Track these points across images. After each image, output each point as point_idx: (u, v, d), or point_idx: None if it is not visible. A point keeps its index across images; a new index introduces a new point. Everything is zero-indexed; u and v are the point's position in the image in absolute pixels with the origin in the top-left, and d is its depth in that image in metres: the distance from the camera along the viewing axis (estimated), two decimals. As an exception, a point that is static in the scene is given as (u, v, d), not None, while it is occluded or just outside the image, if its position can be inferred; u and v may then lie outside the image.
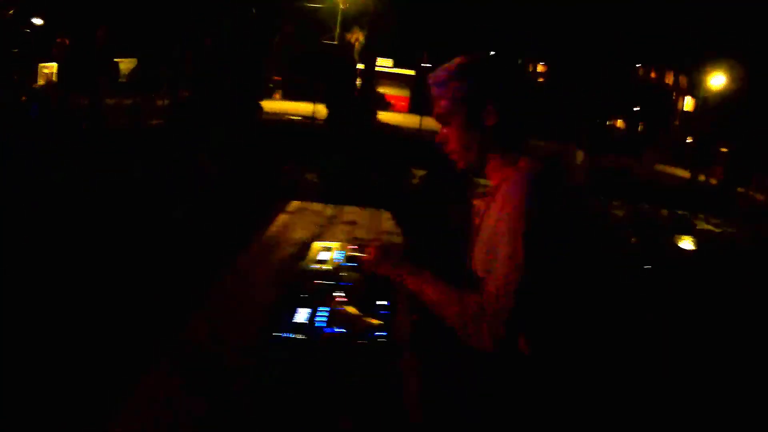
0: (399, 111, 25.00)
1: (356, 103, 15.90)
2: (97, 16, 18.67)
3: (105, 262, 5.43)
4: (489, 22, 39.89)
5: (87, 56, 18.81)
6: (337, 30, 17.93)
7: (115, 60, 19.03)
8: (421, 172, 9.56)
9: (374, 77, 18.57)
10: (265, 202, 4.70)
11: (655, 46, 41.72)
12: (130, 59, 19.12)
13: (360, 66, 17.01)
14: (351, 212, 3.96)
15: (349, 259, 2.12)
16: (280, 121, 14.96)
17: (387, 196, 6.60)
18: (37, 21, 22.73)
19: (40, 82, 19.59)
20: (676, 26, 38.30)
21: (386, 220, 3.90)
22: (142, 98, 15.03)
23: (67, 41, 20.85)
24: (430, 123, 15.79)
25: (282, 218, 3.53)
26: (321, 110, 15.92)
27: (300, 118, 15.66)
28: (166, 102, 14.81)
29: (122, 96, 15.52)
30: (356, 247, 2.21)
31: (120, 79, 18.69)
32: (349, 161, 8.95)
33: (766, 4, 31.16)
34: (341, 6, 17.47)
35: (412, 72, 32.58)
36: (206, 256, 4.41)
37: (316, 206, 4.05)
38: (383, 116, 17.82)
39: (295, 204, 3.95)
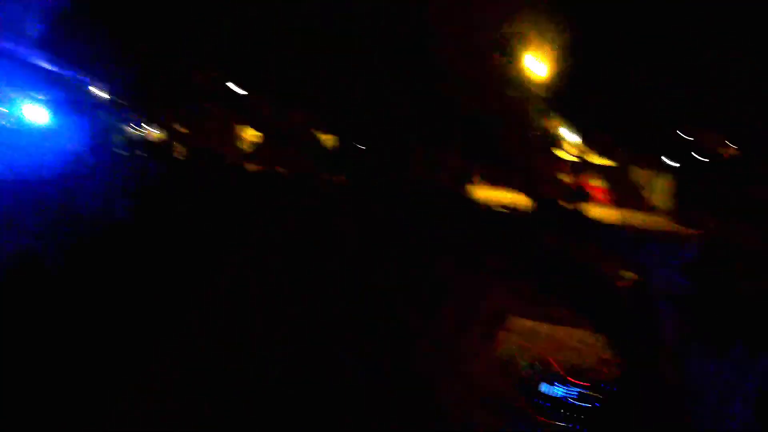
0: (599, 203, 23.99)
1: (565, 194, 15.15)
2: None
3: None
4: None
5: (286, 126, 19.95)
6: (534, 117, 17.47)
7: (318, 134, 19.75)
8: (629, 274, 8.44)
9: (582, 167, 17.82)
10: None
11: None
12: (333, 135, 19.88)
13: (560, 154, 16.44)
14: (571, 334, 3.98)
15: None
16: (485, 211, 14.60)
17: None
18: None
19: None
20: None
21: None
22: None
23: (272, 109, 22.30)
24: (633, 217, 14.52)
25: (507, 338, 3.52)
26: (521, 200, 15.17)
27: (504, 209, 14.88)
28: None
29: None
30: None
31: (325, 155, 19.43)
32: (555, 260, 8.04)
33: None
34: (539, 94, 17.04)
35: (611, 162, 31.51)
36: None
37: (543, 327, 3.90)
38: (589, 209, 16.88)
39: (519, 322, 3.92)
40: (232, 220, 9.79)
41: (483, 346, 4.30)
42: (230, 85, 21.62)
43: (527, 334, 4.19)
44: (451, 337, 4.56)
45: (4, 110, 23.56)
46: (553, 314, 4.75)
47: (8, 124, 23.04)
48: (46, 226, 8.94)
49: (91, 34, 17.70)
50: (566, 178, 18.31)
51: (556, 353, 4.10)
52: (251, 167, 18.82)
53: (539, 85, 16.52)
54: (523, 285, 6.09)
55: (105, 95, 23.53)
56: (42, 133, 21.36)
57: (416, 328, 5.07)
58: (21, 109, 22.39)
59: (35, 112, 21.81)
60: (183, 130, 23.07)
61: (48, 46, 19.06)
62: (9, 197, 12.28)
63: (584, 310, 5.04)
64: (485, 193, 15.86)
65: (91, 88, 23.41)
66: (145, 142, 23.60)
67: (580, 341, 4.05)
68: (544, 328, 4.01)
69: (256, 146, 21.35)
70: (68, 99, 22.35)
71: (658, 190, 17.88)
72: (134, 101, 24.30)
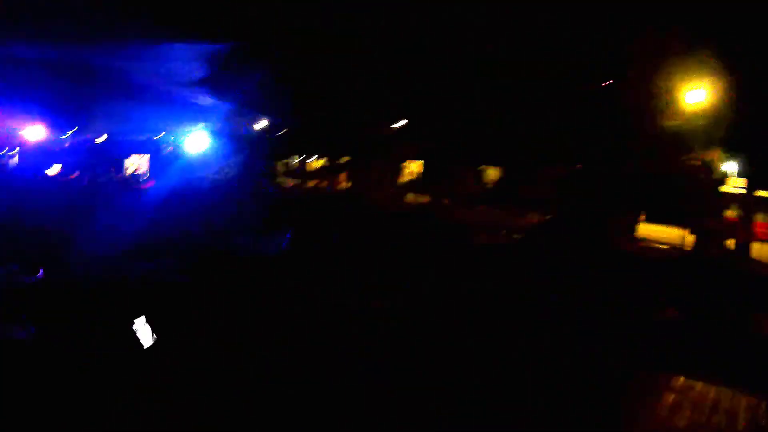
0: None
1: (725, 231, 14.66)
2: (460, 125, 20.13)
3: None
4: None
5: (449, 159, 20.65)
6: (697, 149, 16.82)
7: (481, 168, 20.32)
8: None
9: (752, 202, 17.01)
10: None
11: None
12: (497, 167, 20.27)
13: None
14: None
15: None
16: (647, 248, 14.01)
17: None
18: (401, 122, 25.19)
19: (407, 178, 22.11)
20: None
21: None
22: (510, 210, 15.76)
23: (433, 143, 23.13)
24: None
25: (669, 400, 3.25)
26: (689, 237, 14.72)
27: (667, 246, 14.54)
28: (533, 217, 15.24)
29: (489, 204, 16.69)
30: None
31: (487, 185, 19.88)
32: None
33: None
34: (701, 123, 16.42)
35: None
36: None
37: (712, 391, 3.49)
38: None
39: (680, 381, 3.55)
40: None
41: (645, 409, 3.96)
42: (397, 125, 22.63)
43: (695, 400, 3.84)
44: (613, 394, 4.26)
45: (169, 139, 26.54)
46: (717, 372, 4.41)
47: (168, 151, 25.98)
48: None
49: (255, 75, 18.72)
50: (731, 213, 17.67)
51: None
52: (413, 200, 19.51)
53: (703, 118, 16.23)
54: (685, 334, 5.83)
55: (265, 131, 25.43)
56: (196, 160, 23.72)
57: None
58: (183, 139, 25.07)
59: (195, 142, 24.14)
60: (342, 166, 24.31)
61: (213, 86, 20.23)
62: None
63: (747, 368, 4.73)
64: (649, 229, 15.60)
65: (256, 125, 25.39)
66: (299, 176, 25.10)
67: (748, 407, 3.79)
68: (711, 391, 3.66)
69: (419, 179, 22.17)
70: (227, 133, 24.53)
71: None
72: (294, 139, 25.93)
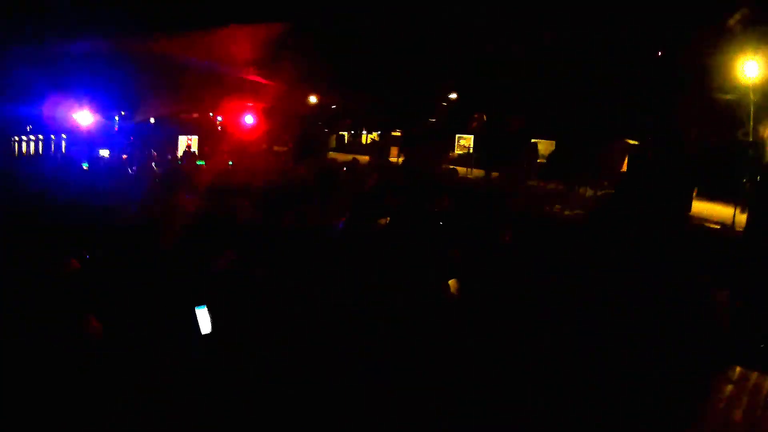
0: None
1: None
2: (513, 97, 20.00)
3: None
4: None
5: (503, 133, 20.47)
6: (750, 124, 16.22)
7: (534, 141, 20.11)
8: None
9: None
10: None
11: None
12: (549, 141, 20.07)
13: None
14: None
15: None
16: (694, 226, 13.46)
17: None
18: (452, 95, 25.23)
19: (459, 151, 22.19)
20: None
21: None
22: (565, 184, 15.68)
23: (485, 116, 23.00)
24: None
25: (726, 391, 3.26)
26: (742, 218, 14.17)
27: (718, 226, 13.92)
28: (593, 192, 15.11)
29: (542, 179, 16.63)
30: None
31: (539, 160, 19.69)
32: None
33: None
34: (752, 97, 15.82)
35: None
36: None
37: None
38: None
39: (737, 372, 3.53)
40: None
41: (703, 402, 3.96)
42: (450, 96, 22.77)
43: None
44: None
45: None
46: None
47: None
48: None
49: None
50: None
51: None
52: (464, 172, 19.50)
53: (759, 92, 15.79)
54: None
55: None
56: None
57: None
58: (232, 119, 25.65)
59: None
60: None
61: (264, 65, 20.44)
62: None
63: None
64: (701, 207, 15.12)
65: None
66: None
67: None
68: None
69: (468, 152, 22.25)
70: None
71: None
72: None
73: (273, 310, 5.76)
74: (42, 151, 25.04)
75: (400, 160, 21.63)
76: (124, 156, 21.68)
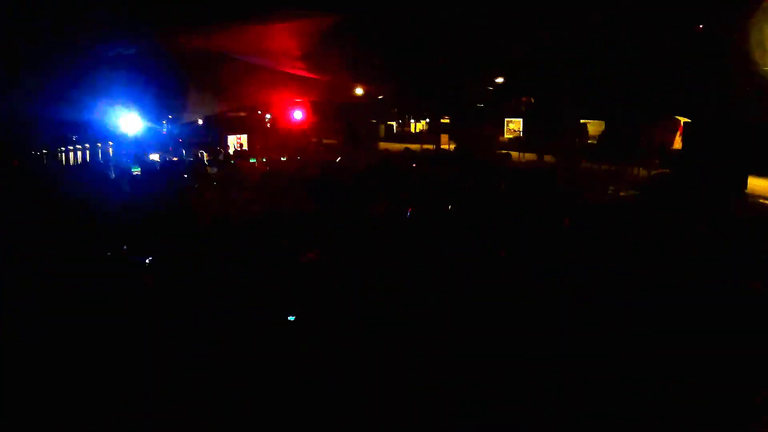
0: None
1: None
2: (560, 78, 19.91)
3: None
4: None
5: (550, 115, 20.55)
6: None
7: (583, 121, 20.18)
8: None
9: None
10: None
11: None
12: (598, 121, 20.10)
13: None
14: None
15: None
16: (752, 203, 13.30)
17: None
18: (499, 79, 25.19)
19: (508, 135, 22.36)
20: None
21: None
22: (617, 164, 15.71)
23: (532, 99, 23.11)
24: None
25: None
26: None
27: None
28: (646, 172, 15.14)
29: (593, 160, 16.69)
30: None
31: (589, 140, 19.74)
32: None
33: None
34: None
35: None
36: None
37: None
38: None
39: None
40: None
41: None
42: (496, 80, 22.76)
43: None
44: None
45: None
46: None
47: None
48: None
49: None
50: None
51: None
52: (516, 156, 19.64)
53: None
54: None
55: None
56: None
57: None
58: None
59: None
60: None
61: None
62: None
63: None
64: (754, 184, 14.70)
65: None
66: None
67: None
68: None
69: (520, 137, 22.32)
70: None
71: None
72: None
73: (356, 300, 6.01)
74: (90, 159, 24.67)
75: (452, 146, 21.81)
76: (175, 158, 22.07)
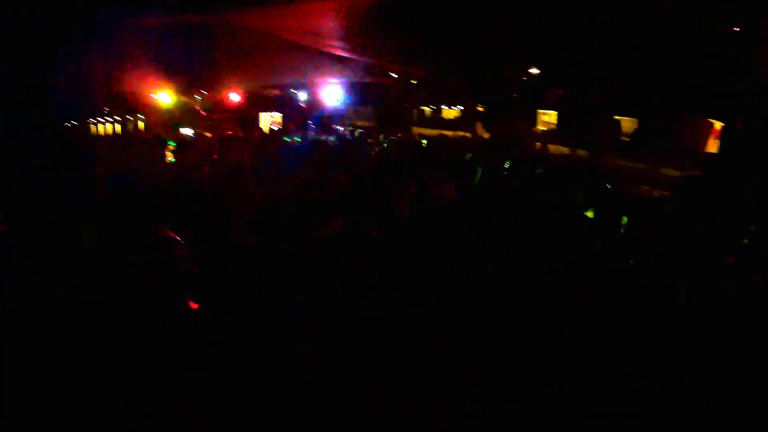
0: None
1: None
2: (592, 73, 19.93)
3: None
4: None
5: (583, 108, 20.63)
6: None
7: (615, 117, 20.21)
8: None
9: None
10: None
11: None
12: (630, 118, 20.11)
13: None
14: None
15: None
16: None
17: None
18: (534, 70, 25.22)
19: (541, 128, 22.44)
20: None
21: None
22: (648, 163, 15.86)
23: (565, 91, 23.13)
24: None
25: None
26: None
27: None
28: (678, 173, 15.26)
29: (625, 157, 16.85)
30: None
31: (622, 137, 19.80)
32: None
33: None
34: None
35: None
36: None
37: None
38: None
39: None
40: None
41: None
42: (531, 70, 22.83)
43: None
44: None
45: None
46: None
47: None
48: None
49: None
50: None
51: None
52: (551, 149, 19.81)
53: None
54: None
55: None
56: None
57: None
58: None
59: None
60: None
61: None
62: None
63: None
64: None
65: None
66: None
67: None
68: None
69: (552, 129, 22.42)
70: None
71: None
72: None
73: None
74: (120, 132, 25.51)
75: (486, 135, 21.95)
76: (208, 134, 22.25)
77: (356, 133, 22.07)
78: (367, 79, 25.25)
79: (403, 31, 19.21)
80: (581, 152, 18.60)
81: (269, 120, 27.05)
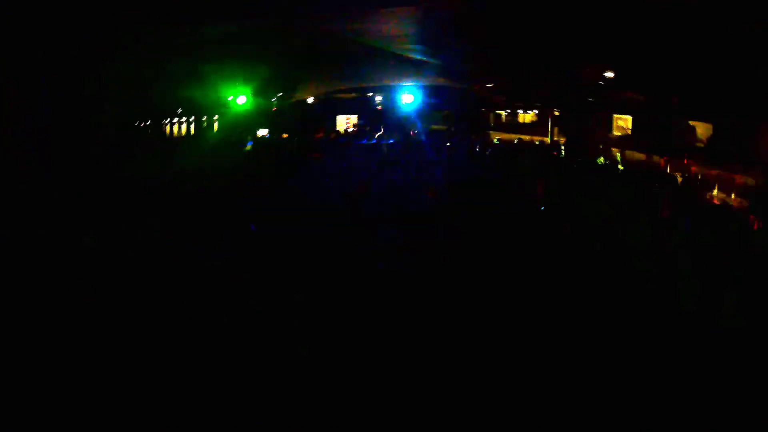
0: None
1: None
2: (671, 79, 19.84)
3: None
4: None
5: (659, 115, 20.68)
6: None
7: (691, 123, 20.25)
8: None
9: None
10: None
11: None
12: (708, 125, 20.02)
13: None
14: None
15: None
16: None
17: None
18: (609, 74, 25.12)
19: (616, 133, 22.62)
20: None
21: None
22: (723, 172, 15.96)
23: (642, 96, 23.19)
24: None
25: None
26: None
27: None
28: (753, 182, 15.33)
29: (700, 163, 17.02)
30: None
31: (698, 144, 19.81)
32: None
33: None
34: None
35: None
36: None
37: None
38: None
39: None
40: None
41: None
42: (607, 74, 22.81)
43: None
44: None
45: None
46: None
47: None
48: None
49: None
50: None
51: None
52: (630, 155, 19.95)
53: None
54: None
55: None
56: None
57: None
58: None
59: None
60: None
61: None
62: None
63: None
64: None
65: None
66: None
67: None
68: None
69: (629, 135, 22.49)
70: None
71: None
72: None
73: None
74: (195, 132, 25.83)
75: (562, 140, 22.14)
76: (285, 135, 22.80)
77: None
78: (440, 82, 25.69)
79: (481, 37, 19.58)
80: (656, 158, 18.73)
81: (345, 122, 27.80)
